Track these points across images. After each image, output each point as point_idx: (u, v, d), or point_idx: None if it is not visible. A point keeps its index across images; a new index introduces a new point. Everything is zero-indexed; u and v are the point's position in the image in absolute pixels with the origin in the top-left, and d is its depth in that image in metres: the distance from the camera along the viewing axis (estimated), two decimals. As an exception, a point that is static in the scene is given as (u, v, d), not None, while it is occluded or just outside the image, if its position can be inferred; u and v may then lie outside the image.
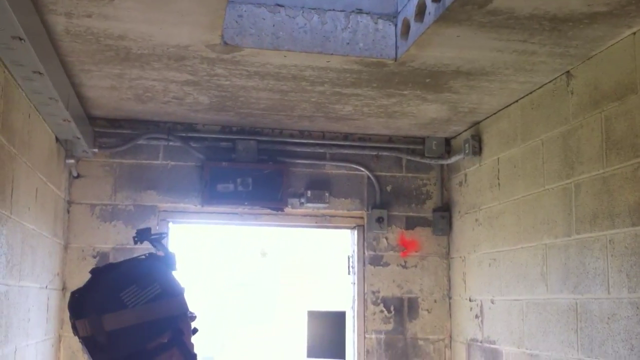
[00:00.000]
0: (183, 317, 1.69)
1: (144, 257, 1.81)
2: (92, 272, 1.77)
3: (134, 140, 4.72)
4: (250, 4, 3.32)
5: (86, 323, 1.60)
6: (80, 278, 4.49)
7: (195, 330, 1.77)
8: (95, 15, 2.95)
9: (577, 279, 3.47)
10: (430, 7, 3.01)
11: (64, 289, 4.52)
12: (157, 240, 1.89)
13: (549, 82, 3.76)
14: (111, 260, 4.60)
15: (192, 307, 1.83)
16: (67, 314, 1.69)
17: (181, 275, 1.90)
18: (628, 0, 2.71)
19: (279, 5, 3.33)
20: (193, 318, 1.77)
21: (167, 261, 1.84)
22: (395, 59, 3.44)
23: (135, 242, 1.89)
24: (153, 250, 2.01)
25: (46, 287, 4.07)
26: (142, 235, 1.88)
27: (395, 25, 3.43)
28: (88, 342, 1.61)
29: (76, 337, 1.66)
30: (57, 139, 4.16)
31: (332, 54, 3.38)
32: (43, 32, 3.00)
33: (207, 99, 4.21)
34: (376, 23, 3.39)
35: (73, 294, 1.69)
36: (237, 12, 3.30)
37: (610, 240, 3.22)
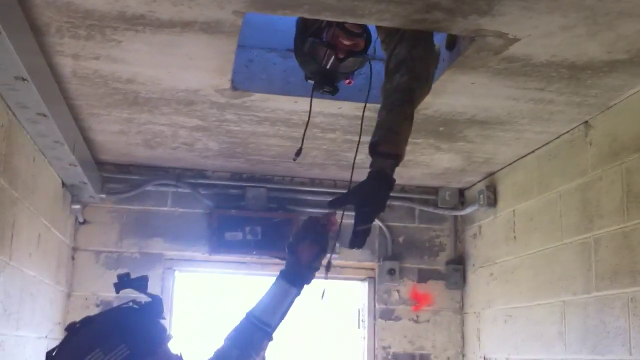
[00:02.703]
0: None
1: (125, 306, 1.70)
2: (68, 329, 1.66)
3: (142, 186, 4.65)
4: (261, 48, 3.27)
5: None
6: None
7: None
8: (103, 58, 2.90)
9: (596, 339, 3.30)
10: (445, 53, 2.93)
11: (65, 338, 4.40)
12: (141, 286, 1.77)
13: (567, 132, 3.66)
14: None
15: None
16: None
17: (175, 323, 1.80)
18: (650, 47, 2.62)
19: (290, 50, 3.26)
20: None
21: (150, 308, 1.71)
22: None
23: (117, 291, 1.78)
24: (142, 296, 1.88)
25: (46, 336, 3.95)
26: (122, 282, 1.76)
27: (385, 66, 3.35)
28: None
29: None
30: (63, 184, 4.09)
31: (344, 100, 3.30)
32: (49, 73, 2.95)
33: (216, 145, 4.14)
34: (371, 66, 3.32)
35: (49, 354, 1.59)
36: (247, 56, 3.25)
37: (631, 299, 3.07)
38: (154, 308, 1.72)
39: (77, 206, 4.35)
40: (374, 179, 2.31)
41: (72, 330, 1.62)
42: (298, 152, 2.78)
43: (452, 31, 2.55)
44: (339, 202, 2.34)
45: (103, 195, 4.54)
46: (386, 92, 2.57)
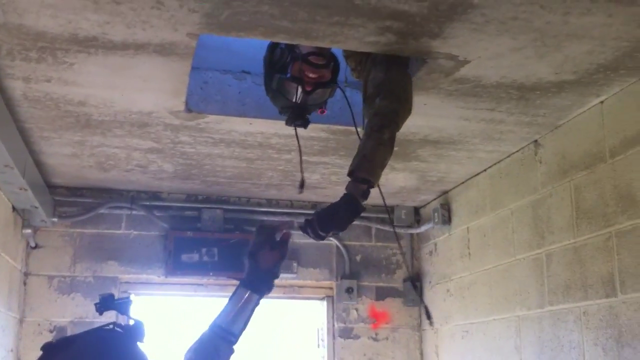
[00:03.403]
0: None
1: (106, 328, 1.66)
2: (44, 348, 1.62)
3: (96, 209, 4.58)
4: (216, 70, 3.27)
5: None
6: (36, 354, 4.27)
7: None
8: (55, 80, 2.86)
9: (552, 353, 3.36)
10: (397, 75, 2.97)
11: (18, 365, 4.29)
12: (123, 307, 1.74)
13: (517, 151, 3.74)
14: (69, 334, 4.38)
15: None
16: None
17: (148, 346, 1.74)
18: (596, 68, 2.70)
19: (245, 72, 3.29)
20: None
21: (133, 332, 1.68)
22: (363, 127, 3.39)
23: (100, 312, 1.74)
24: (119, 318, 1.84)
25: (-2, 364, 3.86)
26: (105, 303, 1.72)
27: (363, 93, 3.39)
28: None
29: None
30: (13, 208, 4.01)
31: (298, 122, 3.31)
32: (-2, 96, 2.91)
33: (171, 167, 4.11)
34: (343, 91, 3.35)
35: None
36: (202, 78, 3.25)
37: (584, 312, 3.14)
38: (137, 332, 1.68)
39: (29, 230, 4.26)
40: (343, 201, 2.41)
41: (52, 350, 1.57)
42: (301, 185, 2.82)
43: (404, 53, 2.60)
44: (308, 223, 2.40)
45: (55, 219, 4.46)
46: (368, 116, 2.61)
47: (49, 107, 3.15)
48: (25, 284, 4.45)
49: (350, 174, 2.46)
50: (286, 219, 4.89)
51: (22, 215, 4.17)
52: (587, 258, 3.13)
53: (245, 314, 2.03)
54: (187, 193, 4.73)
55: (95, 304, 1.73)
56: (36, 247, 4.50)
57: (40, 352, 1.58)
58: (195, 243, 4.65)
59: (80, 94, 3.01)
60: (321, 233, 2.34)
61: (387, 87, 2.58)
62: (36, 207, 4.00)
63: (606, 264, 3.00)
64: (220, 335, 1.98)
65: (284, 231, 2.15)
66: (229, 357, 1.99)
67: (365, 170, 2.44)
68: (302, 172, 2.87)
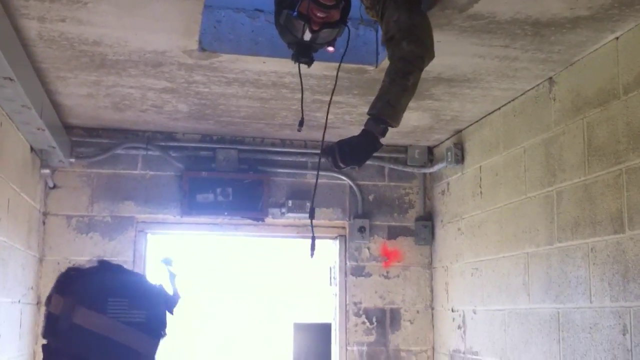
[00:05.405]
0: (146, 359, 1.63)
1: (155, 284, 1.79)
2: (101, 262, 1.72)
3: (112, 149, 4.64)
4: (229, 9, 3.27)
5: (62, 301, 1.53)
6: (56, 291, 4.41)
7: None
8: (69, 20, 2.88)
9: (559, 288, 3.42)
10: (410, 12, 2.96)
11: (38, 303, 4.41)
12: (172, 276, 1.88)
13: (531, 88, 3.73)
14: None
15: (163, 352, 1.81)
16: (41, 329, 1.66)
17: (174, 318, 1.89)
18: (611, 4, 2.68)
19: (258, 10, 3.28)
20: None
21: (168, 301, 1.81)
22: (376, 65, 3.40)
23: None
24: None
25: (19, 301, 3.97)
26: (166, 262, 1.89)
27: (376, 31, 3.39)
28: (50, 320, 1.56)
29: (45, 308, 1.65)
30: (32, 149, 4.07)
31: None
32: (14, 37, 2.92)
33: (186, 107, 4.14)
34: (357, 29, 3.35)
35: (70, 269, 1.64)
36: (215, 17, 3.25)
37: (592, 249, 3.18)
38: (172, 303, 1.88)
39: (47, 171, 4.32)
40: (364, 138, 2.54)
41: (106, 268, 1.69)
42: (301, 123, 2.87)
43: (416, -11, 2.58)
44: (329, 151, 2.57)
45: (72, 160, 4.52)
46: (392, 58, 2.60)
47: (64, 47, 3.18)
48: (44, 223, 4.55)
49: (372, 116, 2.55)
50: (300, 159, 4.94)
51: (40, 156, 4.23)
52: (596, 195, 3.16)
53: None
54: (202, 133, 4.77)
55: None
56: (54, 187, 4.58)
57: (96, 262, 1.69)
58: (210, 183, 4.72)
59: (95, 34, 3.03)
60: (341, 165, 2.55)
61: (414, 32, 2.58)
62: (53, 147, 4.06)
63: (615, 201, 3.02)
64: None
65: None
66: None
67: (388, 115, 2.53)
68: (302, 110, 2.93)
